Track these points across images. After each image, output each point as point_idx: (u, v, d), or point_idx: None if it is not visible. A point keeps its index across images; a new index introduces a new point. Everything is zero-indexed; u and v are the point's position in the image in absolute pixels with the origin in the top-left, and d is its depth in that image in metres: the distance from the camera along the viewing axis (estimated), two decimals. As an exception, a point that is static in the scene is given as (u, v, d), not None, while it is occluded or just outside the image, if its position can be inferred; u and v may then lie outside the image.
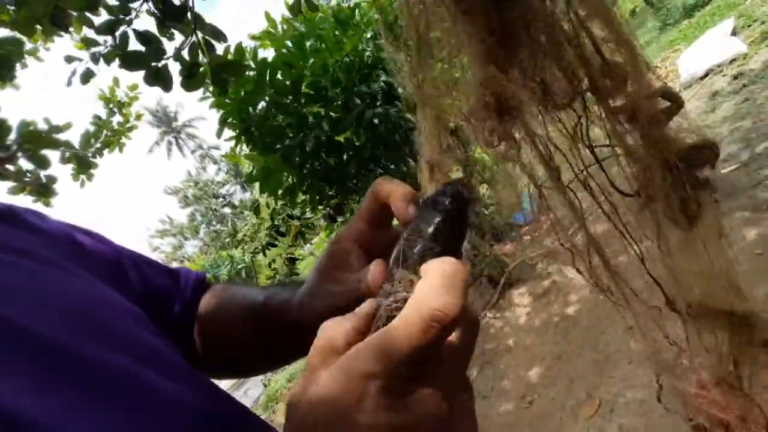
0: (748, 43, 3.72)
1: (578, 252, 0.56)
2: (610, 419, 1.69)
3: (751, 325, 0.49)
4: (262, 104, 2.76)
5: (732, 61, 3.68)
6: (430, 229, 0.28)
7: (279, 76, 2.63)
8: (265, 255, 3.79)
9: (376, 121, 2.73)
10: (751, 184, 2.29)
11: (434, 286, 0.22)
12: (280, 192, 2.92)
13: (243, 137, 2.74)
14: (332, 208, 3.35)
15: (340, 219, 3.50)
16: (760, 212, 2.07)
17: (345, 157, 2.98)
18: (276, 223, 3.67)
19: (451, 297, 0.22)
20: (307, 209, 3.32)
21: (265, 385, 4.73)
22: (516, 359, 2.44)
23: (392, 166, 3.05)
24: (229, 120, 2.69)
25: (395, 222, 0.35)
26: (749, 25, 4.00)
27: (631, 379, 1.78)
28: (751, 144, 2.59)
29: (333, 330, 0.24)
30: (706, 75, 3.86)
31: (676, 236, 0.51)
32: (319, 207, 3.46)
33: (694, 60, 4.09)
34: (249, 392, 4.87)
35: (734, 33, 4.12)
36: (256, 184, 3.15)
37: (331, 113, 2.80)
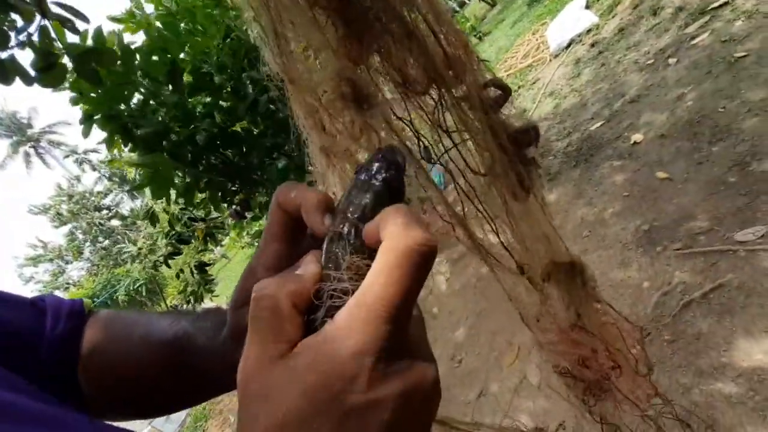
0: (599, 15, 4.24)
1: (458, 224, 0.59)
2: (529, 361, 1.86)
3: (584, 270, 0.59)
4: (136, 97, 2.44)
5: (589, 30, 4.16)
6: (369, 203, 0.25)
7: (153, 58, 2.33)
8: (168, 266, 3.44)
9: (272, 107, 2.59)
10: (614, 137, 2.64)
11: (401, 224, 0.21)
12: (174, 194, 2.64)
13: (117, 137, 2.40)
14: (238, 204, 3.14)
15: (248, 215, 3.30)
16: (623, 159, 2.40)
17: (244, 148, 2.80)
18: (177, 229, 3.34)
19: (422, 229, 0.20)
20: (211, 209, 3.07)
21: (190, 404, 4.39)
22: (442, 324, 2.57)
23: (296, 154, 2.93)
24: (95, 117, 2.33)
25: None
26: (601, 8, 4.55)
27: (541, 322, 1.97)
28: (610, 102, 2.98)
29: (271, 292, 0.21)
30: (569, 45, 4.33)
31: (517, 207, 0.59)
32: (224, 205, 3.22)
33: (558, 32, 4.56)
34: (172, 417, 4.47)
35: (587, 6, 4.66)
36: (148, 190, 2.81)
37: (221, 102, 2.58)
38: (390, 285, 0.19)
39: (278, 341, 0.20)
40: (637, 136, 2.45)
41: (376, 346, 0.19)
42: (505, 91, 0.64)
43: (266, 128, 2.73)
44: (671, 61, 2.74)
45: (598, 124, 2.88)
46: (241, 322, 0.32)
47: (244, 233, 6.67)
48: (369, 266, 0.21)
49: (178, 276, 3.45)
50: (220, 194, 2.76)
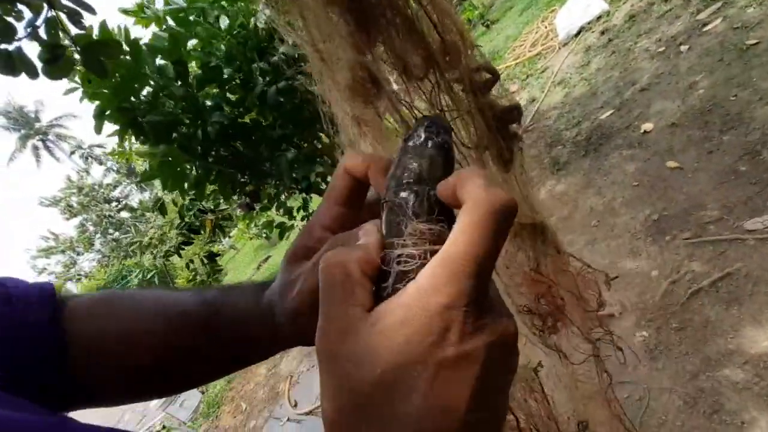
0: (609, 1, 4.17)
1: None
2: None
3: (545, 230, 0.68)
4: (146, 90, 2.47)
5: (599, 18, 4.10)
6: (426, 168, 0.25)
7: (160, 57, 2.35)
8: (180, 256, 3.50)
9: (281, 98, 2.60)
10: (624, 126, 2.62)
11: (482, 185, 0.21)
12: (185, 186, 2.68)
13: (128, 130, 2.43)
14: (248, 195, 3.18)
15: (257, 206, 3.33)
16: (633, 149, 2.38)
17: (254, 139, 2.82)
18: (187, 220, 3.38)
19: (503, 190, 0.21)
20: (220, 200, 3.10)
21: (202, 392, 4.48)
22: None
23: (305, 144, 2.95)
24: (107, 112, 2.37)
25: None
26: (609, -14, 4.47)
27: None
28: (621, 91, 2.95)
29: (341, 259, 0.22)
30: (579, 32, 4.27)
31: (497, 175, 0.67)
32: (233, 197, 3.26)
33: (567, 20, 4.49)
34: (185, 403, 4.57)
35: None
36: (156, 182, 2.85)
37: (229, 95, 2.60)
38: (475, 242, 0.20)
39: (355, 304, 0.21)
40: (648, 125, 2.43)
41: (464, 300, 0.19)
42: (494, 75, 0.69)
43: (275, 120, 2.74)
44: (683, 48, 2.70)
45: (608, 113, 2.85)
46: (290, 277, 0.34)
47: (252, 224, 6.73)
48: (432, 231, 0.22)
49: (188, 266, 3.50)
50: (230, 186, 2.79)
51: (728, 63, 2.28)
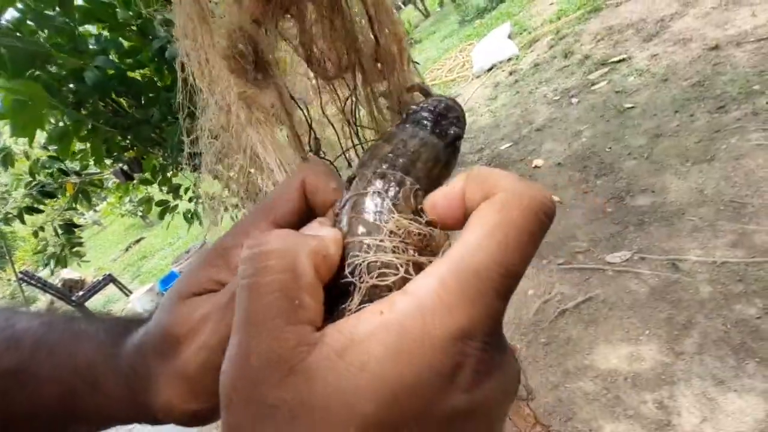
0: (519, 47, 4.62)
1: None
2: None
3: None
4: (12, 14, 1.99)
5: (509, 59, 4.51)
6: (426, 156, 0.18)
7: (38, -26, 1.92)
8: (23, 222, 2.87)
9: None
10: (519, 158, 2.88)
11: (518, 179, 0.16)
12: (45, 137, 2.21)
13: (-24, 52, 1.93)
14: (126, 162, 2.75)
15: (137, 176, 2.90)
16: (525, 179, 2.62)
17: (143, 99, 2.46)
18: (41, 178, 2.80)
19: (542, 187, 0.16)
20: (90, 162, 2.63)
21: None
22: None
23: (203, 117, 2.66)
24: (-51, 23, 1.85)
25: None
26: (521, 33, 4.96)
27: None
28: (520, 128, 3.24)
29: (287, 248, 0.14)
30: (491, 68, 4.64)
31: None
32: (107, 161, 2.79)
33: (483, 55, 4.86)
34: None
35: (510, 37, 5.05)
36: (5, 129, 2.30)
37: (121, 40, 2.23)
38: (510, 248, 0.14)
39: (301, 322, 0.13)
40: (539, 161, 2.70)
41: (486, 326, 0.13)
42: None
43: (173, 82, 2.43)
44: (573, 100, 3.08)
45: (507, 145, 3.11)
46: (184, 319, 0.21)
47: (127, 199, 5.92)
48: (422, 234, 0.15)
49: (36, 234, 2.89)
50: (105, 146, 2.38)
51: (608, 120, 2.65)
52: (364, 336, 0.13)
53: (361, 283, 0.15)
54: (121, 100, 2.34)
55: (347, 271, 0.15)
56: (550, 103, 3.27)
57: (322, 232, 0.16)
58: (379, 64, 0.49)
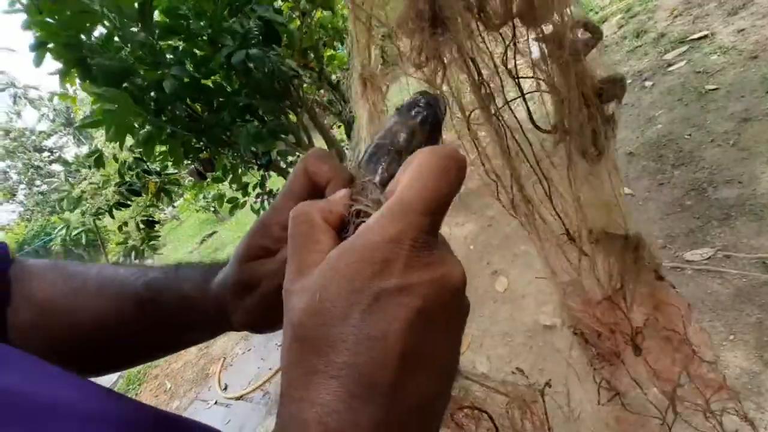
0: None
1: (501, 183, 0.56)
2: (480, 352, 1.91)
3: (639, 247, 0.57)
4: (99, 30, 2.22)
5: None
6: (403, 138, 0.26)
7: (123, -6, 2.12)
8: (112, 216, 3.21)
9: (251, 65, 2.44)
10: (585, 149, 2.73)
11: (434, 146, 0.22)
12: (133, 141, 2.45)
13: (75, 70, 2.18)
14: (200, 162, 2.98)
15: (210, 176, 3.13)
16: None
17: (215, 104, 2.64)
18: (128, 178, 3.11)
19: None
20: (169, 163, 2.88)
21: (122, 365, 4.16)
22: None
23: (270, 118, 2.80)
24: (51, 45, 2.10)
25: None
26: (587, 13, 4.64)
27: (495, 316, 2.02)
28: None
29: (306, 209, 0.23)
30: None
31: (582, 169, 0.56)
32: (185, 161, 3.04)
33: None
34: (103, 378, 4.23)
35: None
36: (97, 134, 2.58)
37: (194, 50, 2.40)
38: (428, 187, 0.20)
39: (315, 250, 0.22)
40: (607, 151, 2.53)
41: (411, 234, 0.19)
42: (596, 35, 0.56)
43: (241, 86, 2.58)
44: (647, 84, 2.85)
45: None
46: (247, 276, 0.33)
47: (201, 195, 6.37)
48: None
49: (120, 228, 3.22)
50: (182, 149, 2.59)
51: (686, 104, 2.43)
52: (336, 251, 0.20)
53: (352, 222, 0.23)
54: (196, 105, 2.53)
55: (350, 219, 0.24)
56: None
57: (337, 195, 0.25)
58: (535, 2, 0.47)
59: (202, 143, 2.67)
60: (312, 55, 3.08)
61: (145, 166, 3.12)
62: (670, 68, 2.82)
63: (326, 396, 0.18)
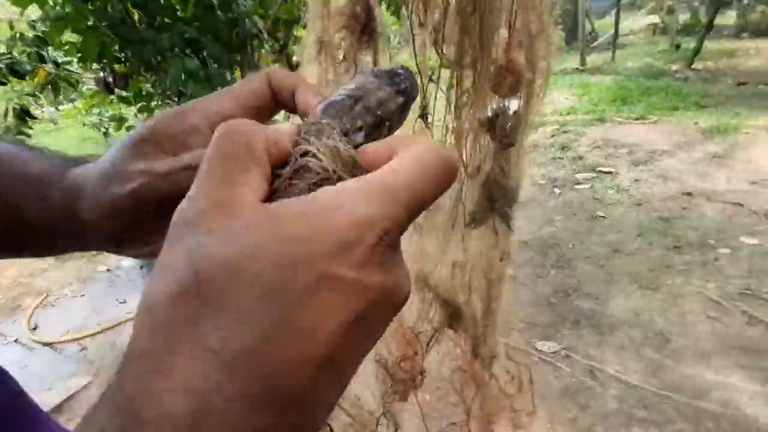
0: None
1: None
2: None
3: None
4: None
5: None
6: (376, 99, 0.23)
7: None
8: (-26, 89, 2.61)
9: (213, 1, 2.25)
10: (491, 223, 2.96)
11: (431, 144, 0.19)
12: (40, 14, 2.05)
13: None
14: (113, 74, 2.60)
15: (117, 93, 2.74)
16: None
17: (158, 22, 2.36)
18: (14, 54, 2.58)
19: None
20: (75, 59, 2.46)
21: None
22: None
23: (215, 66, 2.57)
24: None
25: None
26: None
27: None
28: (501, 195, 3.36)
29: (246, 128, 0.18)
30: (494, 132, 4.83)
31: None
32: (94, 64, 2.62)
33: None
34: None
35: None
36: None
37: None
38: (416, 177, 0.17)
39: (242, 183, 0.17)
40: (507, 232, 2.78)
41: (386, 224, 0.16)
42: (512, 140, 0.66)
43: (195, 18, 2.34)
44: (557, 191, 3.24)
45: (484, 207, 3.21)
46: (128, 164, 0.25)
47: (96, 110, 5.55)
48: (351, 158, 0.19)
49: (-18, 106, 2.63)
50: (98, 49, 2.24)
51: (579, 220, 2.79)
52: (285, 203, 0.16)
53: (294, 161, 0.19)
54: (134, 12, 2.23)
55: (292, 158, 0.19)
56: (535, 184, 3.42)
57: (281, 129, 0.20)
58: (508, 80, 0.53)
59: (124, 54, 2.34)
60: (282, 29, 2.94)
61: (44, 51, 2.63)
62: (577, 186, 3.25)
63: (203, 384, 0.14)
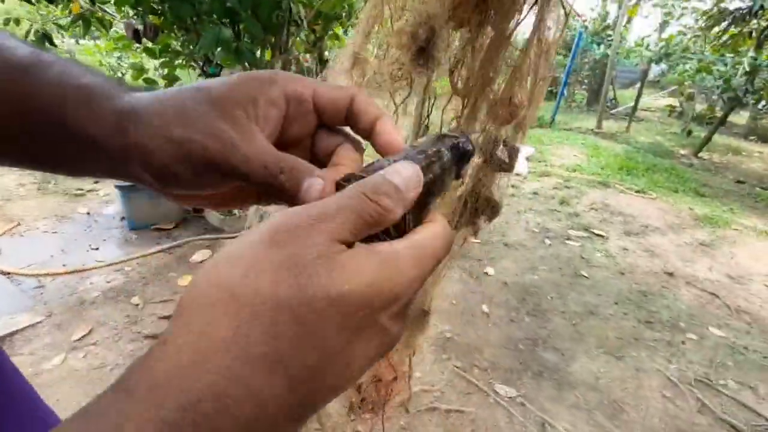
0: (531, 171, 4.92)
1: None
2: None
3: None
4: None
5: (518, 174, 4.77)
6: (445, 173, 0.25)
7: None
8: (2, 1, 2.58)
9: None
10: (478, 258, 2.98)
11: (445, 222, 0.24)
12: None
13: None
14: (146, 25, 2.59)
15: (144, 44, 2.72)
16: (472, 280, 2.70)
17: (202, -14, 2.36)
18: (53, -21, 2.55)
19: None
20: (112, 0, 2.45)
21: None
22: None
23: (248, 42, 2.58)
24: None
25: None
26: (539, 161, 5.30)
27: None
28: (493, 234, 3.39)
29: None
30: (499, 171, 4.89)
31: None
32: (129, 11, 2.62)
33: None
34: None
35: (528, 159, 5.38)
36: None
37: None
38: (440, 251, 0.22)
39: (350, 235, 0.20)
40: (491, 270, 2.80)
41: (417, 286, 0.20)
42: (511, 163, 0.68)
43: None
44: (547, 242, 3.28)
45: (474, 241, 3.22)
46: (221, 116, 0.24)
47: (118, 55, 5.52)
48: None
49: (7, 22, 2.60)
50: (139, -4, 2.24)
51: (563, 274, 2.83)
52: (400, 252, 0.20)
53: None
54: (184, -29, 2.23)
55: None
56: (528, 230, 3.46)
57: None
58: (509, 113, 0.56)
59: (162, 8, 2.34)
60: (321, 22, 2.97)
61: (83, -17, 2.61)
62: (568, 242, 3.29)
63: (275, 397, 0.17)
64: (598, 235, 3.43)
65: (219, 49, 2.26)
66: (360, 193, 0.20)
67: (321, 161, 0.27)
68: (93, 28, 2.80)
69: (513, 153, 0.65)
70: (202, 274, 0.18)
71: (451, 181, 0.27)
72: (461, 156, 0.27)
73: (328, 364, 0.17)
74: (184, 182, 0.25)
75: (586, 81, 10.61)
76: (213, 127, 0.23)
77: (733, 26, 7.36)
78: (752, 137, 8.80)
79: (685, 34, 8.81)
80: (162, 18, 2.43)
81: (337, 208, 0.19)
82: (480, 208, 0.70)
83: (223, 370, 0.15)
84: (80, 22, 2.42)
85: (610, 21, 10.25)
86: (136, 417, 0.15)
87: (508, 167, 0.64)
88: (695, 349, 2.23)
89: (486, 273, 2.77)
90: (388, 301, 0.19)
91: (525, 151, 5.57)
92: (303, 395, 0.17)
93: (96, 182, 3.61)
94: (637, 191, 4.53)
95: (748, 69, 6.06)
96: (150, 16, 2.42)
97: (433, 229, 0.22)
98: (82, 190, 3.44)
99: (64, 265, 2.43)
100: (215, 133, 0.23)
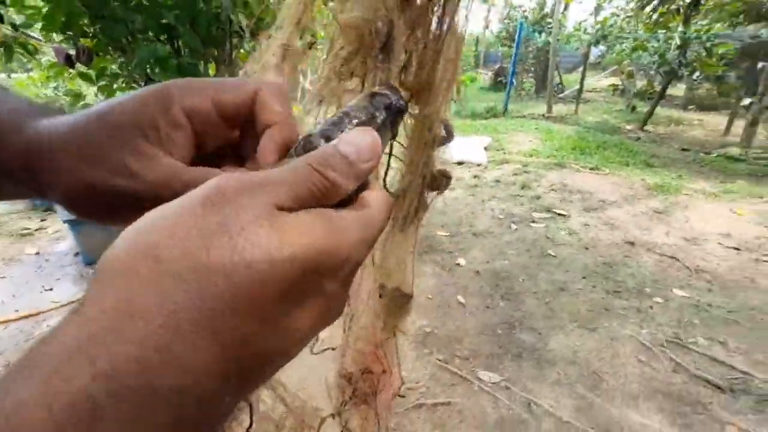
0: (490, 160, 5.03)
1: None
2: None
3: (408, 301, 0.71)
4: None
5: (478, 165, 4.87)
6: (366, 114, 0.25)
7: None
8: None
9: (201, -7, 2.20)
10: (449, 250, 3.01)
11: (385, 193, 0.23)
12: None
13: None
14: (77, 47, 2.46)
15: (78, 69, 2.59)
16: (445, 273, 2.72)
17: (134, 5, 2.27)
18: (-33, 8, 2.39)
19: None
20: (39, 26, 2.32)
21: None
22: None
23: (188, 58, 2.50)
24: None
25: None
26: (497, 149, 5.43)
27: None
28: (461, 224, 3.43)
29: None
30: (460, 163, 4.97)
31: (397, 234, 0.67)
32: (57, 36, 2.49)
33: (458, 148, 5.22)
34: None
35: (486, 149, 5.50)
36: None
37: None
38: (385, 216, 0.22)
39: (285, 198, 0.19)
40: (462, 261, 2.84)
41: (365, 251, 0.20)
42: (449, 137, 0.68)
43: (176, 6, 2.28)
44: (513, 227, 3.35)
45: (443, 234, 3.26)
46: (137, 122, 0.24)
47: (51, 83, 5.23)
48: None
49: None
50: (66, 17, 2.12)
51: (531, 256, 2.89)
52: (309, 212, 0.19)
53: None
54: (112, -11, 2.14)
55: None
56: (494, 218, 3.53)
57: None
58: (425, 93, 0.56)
59: (93, 29, 2.23)
60: (265, 31, 2.91)
61: (2, 11, 2.46)
62: (533, 224, 3.38)
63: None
64: (560, 214, 3.54)
65: (158, 67, 2.18)
66: (306, 164, 0.19)
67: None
68: (23, 58, 2.64)
69: (448, 127, 0.66)
70: (122, 239, 0.17)
71: (388, 140, 0.27)
72: (395, 114, 0.26)
73: (268, 332, 0.17)
74: (101, 214, 0.25)
75: (532, 69, 10.98)
76: (116, 161, 0.23)
77: (661, 5, 7.82)
78: (691, 107, 9.37)
79: (618, 16, 9.28)
80: (95, 40, 2.32)
81: (281, 178, 0.18)
82: (437, 182, 0.71)
83: (142, 338, 0.14)
84: (2, 50, 2.27)
85: (548, 9, 10.67)
86: (40, 395, 0.13)
87: (447, 140, 0.66)
88: (663, 312, 2.34)
89: (458, 264, 2.80)
90: (335, 267, 0.18)
91: (482, 141, 5.69)
92: (240, 366, 0.16)
93: (43, 220, 3.40)
94: (591, 168, 4.71)
95: (679, 43, 6.45)
96: (81, 39, 2.30)
97: (376, 196, 0.21)
98: (29, 229, 3.23)
99: (16, 311, 2.27)
100: (118, 167, 0.23)
